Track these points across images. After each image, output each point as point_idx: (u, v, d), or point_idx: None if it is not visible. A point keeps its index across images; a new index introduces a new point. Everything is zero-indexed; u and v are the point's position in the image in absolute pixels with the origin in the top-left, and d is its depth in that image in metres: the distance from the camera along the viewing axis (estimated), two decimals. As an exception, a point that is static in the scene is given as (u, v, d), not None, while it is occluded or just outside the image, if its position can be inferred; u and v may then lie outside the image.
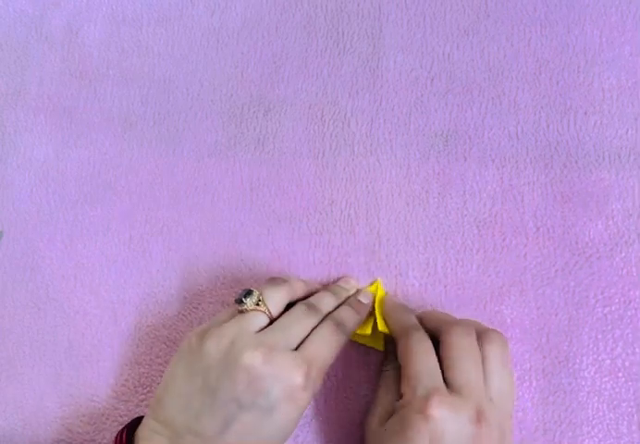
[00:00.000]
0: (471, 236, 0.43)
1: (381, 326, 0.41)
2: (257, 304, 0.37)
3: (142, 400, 0.43)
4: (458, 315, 0.41)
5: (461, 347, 0.35)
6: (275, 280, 0.39)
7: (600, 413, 0.40)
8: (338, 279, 0.43)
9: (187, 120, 0.46)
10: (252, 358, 0.34)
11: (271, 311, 0.37)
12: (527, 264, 0.42)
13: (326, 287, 0.42)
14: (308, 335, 0.37)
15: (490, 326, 0.37)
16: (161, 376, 0.43)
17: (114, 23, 0.48)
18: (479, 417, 0.32)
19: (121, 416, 0.43)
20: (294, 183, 0.45)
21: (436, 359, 0.35)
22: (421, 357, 0.35)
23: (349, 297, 0.41)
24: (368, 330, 0.41)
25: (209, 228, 0.45)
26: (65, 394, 0.44)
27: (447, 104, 0.44)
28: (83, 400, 0.44)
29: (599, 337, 0.41)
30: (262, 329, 0.36)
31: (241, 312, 0.37)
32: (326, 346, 0.37)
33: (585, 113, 0.42)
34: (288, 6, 0.46)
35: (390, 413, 0.35)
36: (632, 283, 0.41)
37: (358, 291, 0.42)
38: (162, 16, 0.48)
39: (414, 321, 0.38)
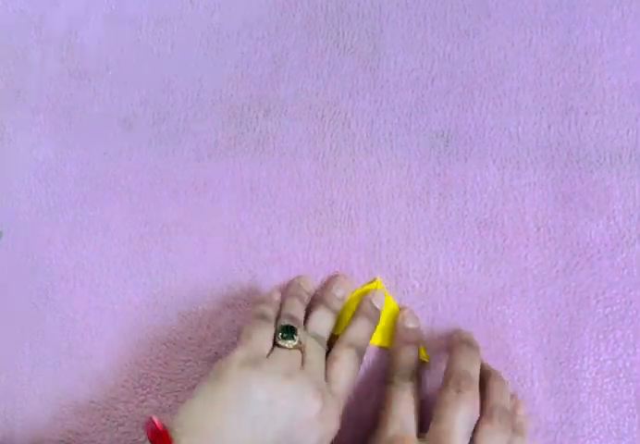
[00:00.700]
0: (472, 236, 0.43)
1: (375, 340, 0.41)
2: (298, 344, 0.37)
3: (142, 402, 0.43)
4: (459, 317, 0.41)
5: (455, 406, 0.35)
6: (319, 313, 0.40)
7: (601, 414, 0.40)
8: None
9: (187, 120, 0.46)
10: (299, 393, 0.34)
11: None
12: (528, 264, 0.42)
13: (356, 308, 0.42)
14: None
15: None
16: (161, 377, 0.43)
17: (113, 23, 0.48)
18: None
19: (121, 417, 0.43)
20: (294, 183, 0.45)
21: (411, 409, 0.37)
22: (396, 404, 0.37)
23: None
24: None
25: (209, 229, 0.45)
26: (64, 395, 0.44)
27: (447, 105, 0.44)
28: (83, 401, 0.44)
29: (600, 337, 0.41)
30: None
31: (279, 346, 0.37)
32: (350, 372, 0.38)
33: (586, 113, 0.42)
34: (288, 7, 0.46)
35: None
36: (633, 283, 0.41)
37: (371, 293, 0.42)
38: (161, 16, 0.47)
39: (407, 365, 0.39)
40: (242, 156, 0.45)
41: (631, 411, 0.40)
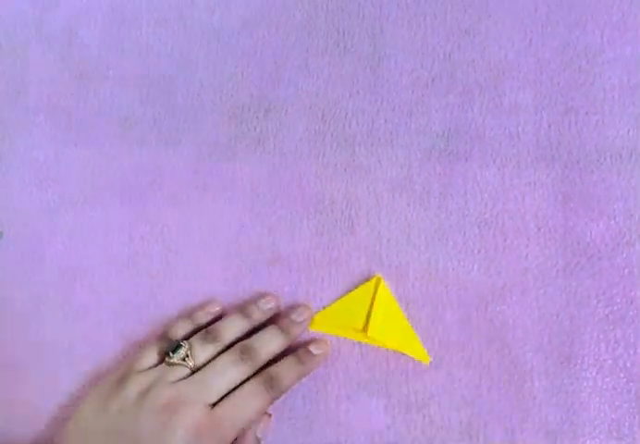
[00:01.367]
0: (472, 236, 0.43)
1: (372, 332, 0.41)
2: (184, 359, 0.38)
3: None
4: (459, 317, 0.41)
5: None
6: (206, 335, 0.40)
7: (602, 414, 0.40)
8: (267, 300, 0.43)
9: (187, 120, 0.46)
10: (161, 408, 0.35)
11: (197, 366, 0.38)
12: (528, 264, 0.42)
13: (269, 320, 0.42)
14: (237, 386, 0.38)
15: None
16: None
17: (113, 23, 0.48)
18: None
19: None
20: (295, 183, 0.45)
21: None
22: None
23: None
24: (360, 325, 0.42)
25: (209, 229, 0.45)
26: (65, 394, 0.44)
27: (447, 105, 0.44)
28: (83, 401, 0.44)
29: (601, 337, 0.41)
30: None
31: (168, 364, 0.38)
32: (245, 407, 0.37)
33: (587, 113, 0.42)
34: (288, 6, 0.46)
35: None
36: (633, 283, 0.41)
37: (295, 311, 0.42)
38: (162, 16, 0.48)
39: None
40: (243, 156, 0.45)
41: (631, 411, 0.40)
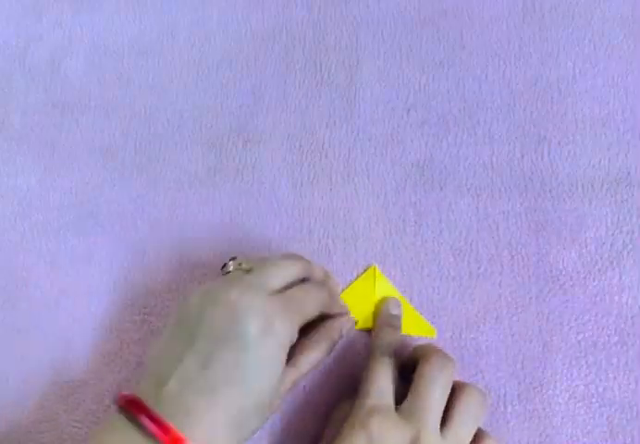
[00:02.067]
0: (447, 264, 0.43)
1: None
2: (240, 264, 0.38)
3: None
4: (434, 343, 0.42)
5: (431, 377, 0.36)
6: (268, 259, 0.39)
7: (574, 439, 0.40)
8: None
9: (167, 151, 0.47)
10: (228, 293, 0.34)
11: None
12: (502, 291, 0.43)
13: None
14: None
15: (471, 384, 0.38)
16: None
17: (95, 55, 0.49)
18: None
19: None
20: (272, 213, 0.45)
21: (390, 381, 0.37)
22: (376, 375, 0.37)
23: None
24: (370, 324, 0.43)
25: (190, 257, 0.45)
26: (47, 419, 0.45)
27: (423, 135, 0.45)
28: (65, 427, 0.44)
29: (573, 363, 0.41)
30: None
31: (224, 274, 0.38)
32: (309, 294, 0.38)
33: (559, 143, 0.43)
34: (266, 39, 0.47)
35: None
36: (605, 310, 0.42)
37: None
38: (142, 48, 0.48)
39: (388, 343, 0.40)
40: (222, 186, 0.46)
41: (603, 435, 0.40)
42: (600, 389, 0.41)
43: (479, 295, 0.43)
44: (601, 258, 0.42)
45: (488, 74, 0.44)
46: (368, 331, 0.43)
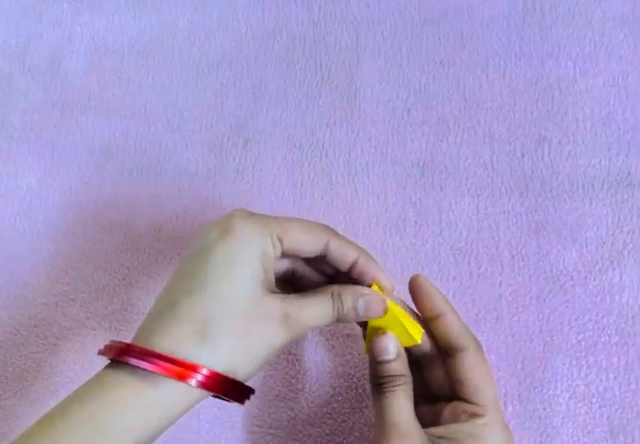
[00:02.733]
0: (447, 264, 0.43)
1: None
2: None
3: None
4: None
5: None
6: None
7: (575, 439, 0.40)
8: None
9: (167, 150, 0.47)
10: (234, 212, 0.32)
11: None
12: (502, 291, 0.42)
13: None
14: None
15: None
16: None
17: (95, 55, 0.49)
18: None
19: None
20: (273, 212, 0.44)
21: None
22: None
23: None
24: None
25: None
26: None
27: (423, 135, 0.45)
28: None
29: (574, 363, 0.41)
30: None
31: None
32: (299, 220, 0.34)
33: (559, 143, 0.43)
34: (267, 38, 0.47)
35: None
36: (605, 310, 0.41)
37: None
38: (142, 48, 0.48)
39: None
40: (222, 185, 0.46)
41: (604, 435, 0.40)
42: (601, 389, 0.41)
43: (479, 295, 0.43)
44: (602, 258, 0.42)
45: (489, 74, 0.44)
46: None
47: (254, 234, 0.31)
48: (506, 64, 0.44)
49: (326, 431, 0.42)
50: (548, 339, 0.41)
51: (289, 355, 0.43)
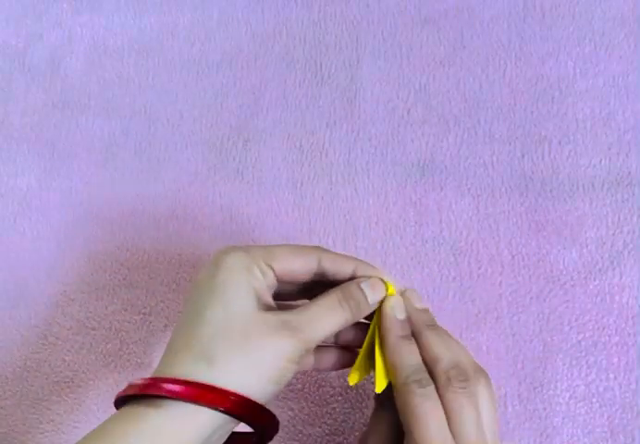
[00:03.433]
0: (447, 264, 0.43)
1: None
2: None
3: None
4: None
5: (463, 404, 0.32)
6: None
7: (575, 439, 0.40)
8: None
9: (167, 150, 0.47)
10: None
11: None
12: (503, 291, 0.42)
13: None
14: None
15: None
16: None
17: (95, 55, 0.49)
18: None
19: (103, 442, 0.44)
20: (273, 212, 0.45)
21: (444, 419, 0.32)
22: (431, 421, 0.31)
23: None
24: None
25: (189, 257, 0.46)
26: (47, 420, 0.45)
27: (423, 135, 0.45)
28: (65, 427, 0.44)
29: (574, 363, 0.41)
30: None
31: None
32: (285, 246, 0.35)
33: (560, 143, 0.43)
34: (267, 38, 0.47)
35: None
36: (605, 310, 0.41)
37: None
38: (142, 47, 0.48)
39: (416, 362, 0.33)
40: (222, 185, 0.46)
41: (604, 435, 0.40)
42: (601, 389, 0.41)
43: (479, 295, 0.43)
44: (602, 258, 0.42)
45: (489, 73, 0.44)
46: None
47: (240, 263, 0.33)
48: (506, 64, 0.44)
49: (326, 431, 0.42)
50: (548, 339, 0.41)
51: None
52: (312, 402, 0.42)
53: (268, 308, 0.33)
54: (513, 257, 0.43)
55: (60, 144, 0.48)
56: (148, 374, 0.42)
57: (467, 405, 0.32)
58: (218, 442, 0.31)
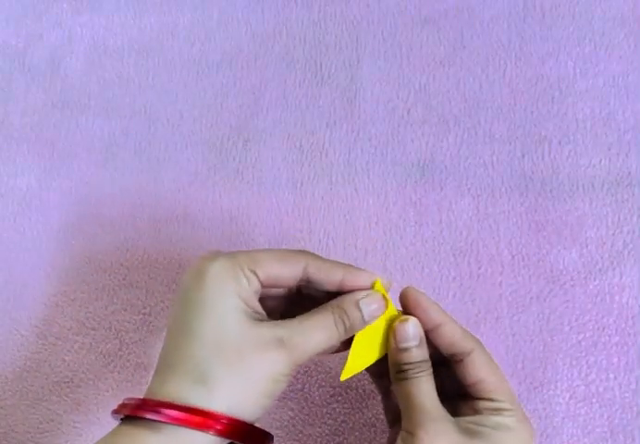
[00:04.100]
0: (447, 264, 0.43)
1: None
2: None
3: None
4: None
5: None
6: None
7: (575, 439, 0.40)
8: None
9: (167, 150, 0.47)
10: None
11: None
12: (503, 291, 0.42)
13: None
14: None
15: None
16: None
17: (95, 55, 0.49)
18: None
19: (103, 442, 0.44)
20: (273, 212, 0.45)
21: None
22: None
23: None
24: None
25: (189, 257, 0.46)
26: (47, 420, 0.45)
27: (423, 135, 0.45)
28: (65, 427, 0.44)
29: (574, 363, 0.41)
30: None
31: None
32: (270, 250, 0.35)
33: (560, 143, 0.43)
34: (267, 38, 0.47)
35: None
36: (605, 310, 0.41)
37: None
38: (142, 47, 0.48)
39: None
40: (222, 185, 0.46)
41: (604, 435, 0.40)
42: (601, 389, 0.41)
43: (479, 295, 0.43)
44: (602, 258, 0.42)
45: (489, 73, 0.44)
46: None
47: (224, 272, 0.32)
48: (506, 64, 0.44)
49: (326, 431, 0.42)
50: (548, 339, 0.41)
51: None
52: (312, 402, 0.42)
53: (257, 316, 0.32)
54: (513, 257, 0.43)
55: (60, 144, 0.48)
56: (148, 374, 0.42)
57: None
58: None
